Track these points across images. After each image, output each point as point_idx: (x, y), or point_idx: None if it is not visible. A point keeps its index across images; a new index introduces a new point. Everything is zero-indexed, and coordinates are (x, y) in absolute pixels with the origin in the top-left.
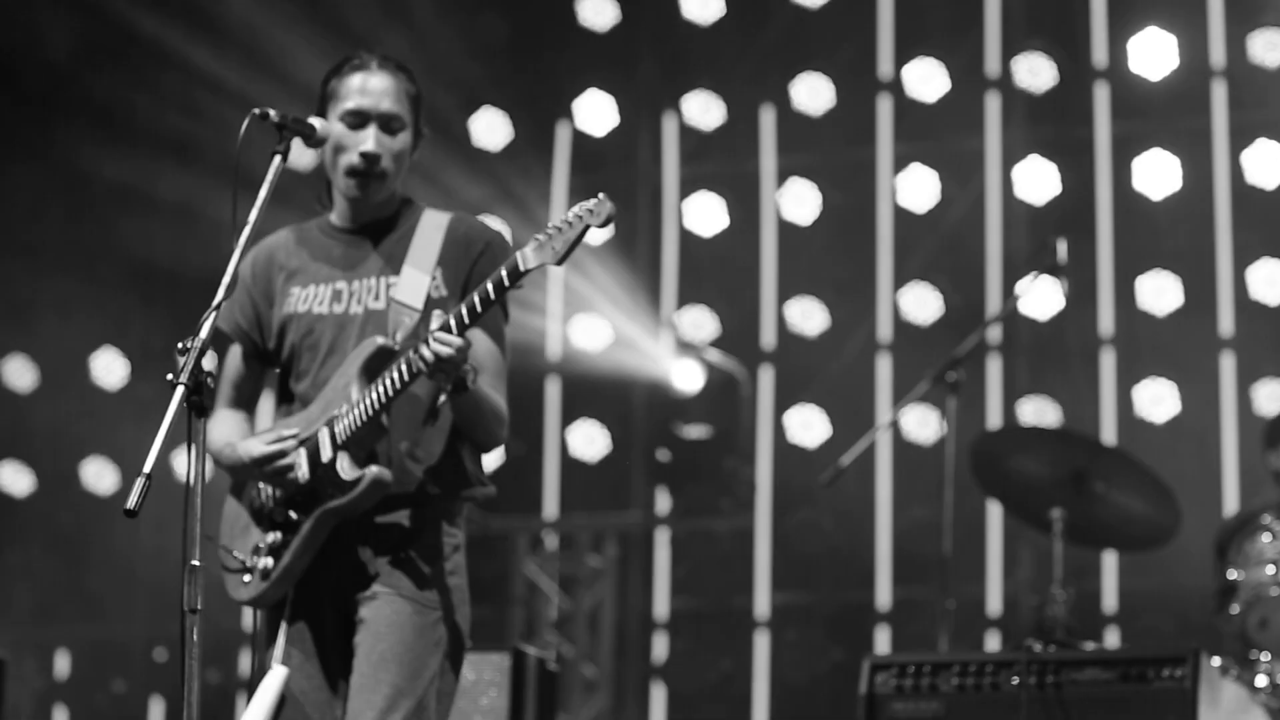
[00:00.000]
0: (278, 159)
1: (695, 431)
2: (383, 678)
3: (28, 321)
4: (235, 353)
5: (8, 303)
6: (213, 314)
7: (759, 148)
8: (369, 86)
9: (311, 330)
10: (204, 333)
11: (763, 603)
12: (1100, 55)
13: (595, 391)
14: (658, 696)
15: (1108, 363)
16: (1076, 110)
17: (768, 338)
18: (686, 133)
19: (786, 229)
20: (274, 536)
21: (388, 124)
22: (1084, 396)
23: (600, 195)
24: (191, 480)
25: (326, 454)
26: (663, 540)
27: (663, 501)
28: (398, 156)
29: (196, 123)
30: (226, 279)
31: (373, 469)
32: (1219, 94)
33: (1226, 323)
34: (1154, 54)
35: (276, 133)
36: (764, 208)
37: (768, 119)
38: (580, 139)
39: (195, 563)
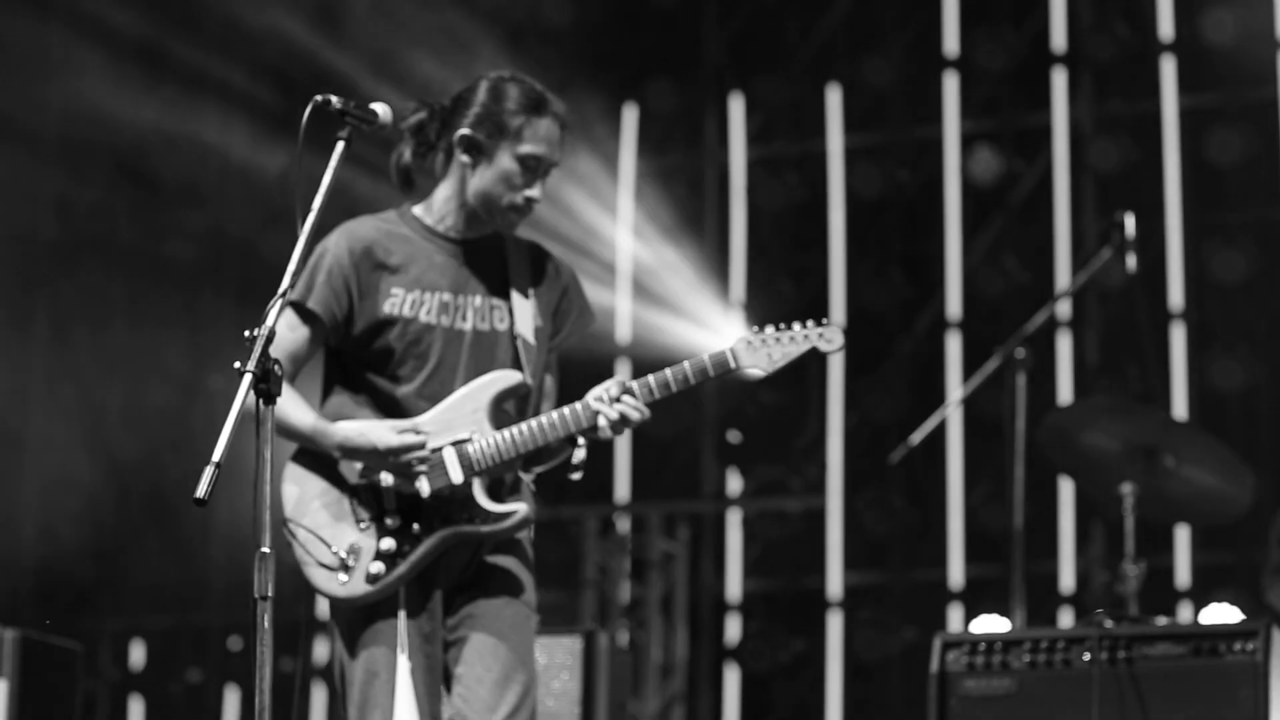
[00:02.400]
0: (340, 146)
1: (770, 397)
2: (515, 677)
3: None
4: (304, 333)
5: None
6: (278, 302)
7: (826, 127)
8: (555, 138)
9: (420, 339)
10: (270, 320)
11: (835, 583)
12: (1166, 28)
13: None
14: (731, 679)
15: (1178, 336)
16: (1143, 83)
17: (837, 316)
18: (753, 113)
19: (854, 207)
20: (389, 543)
21: (555, 165)
22: (1155, 370)
23: (834, 323)
24: (260, 469)
25: (456, 477)
26: (734, 522)
27: (734, 483)
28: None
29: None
30: (292, 266)
31: (522, 507)
32: None
33: None
34: (1220, 27)
35: (339, 120)
36: (831, 186)
37: (834, 98)
38: (647, 120)
39: (265, 549)
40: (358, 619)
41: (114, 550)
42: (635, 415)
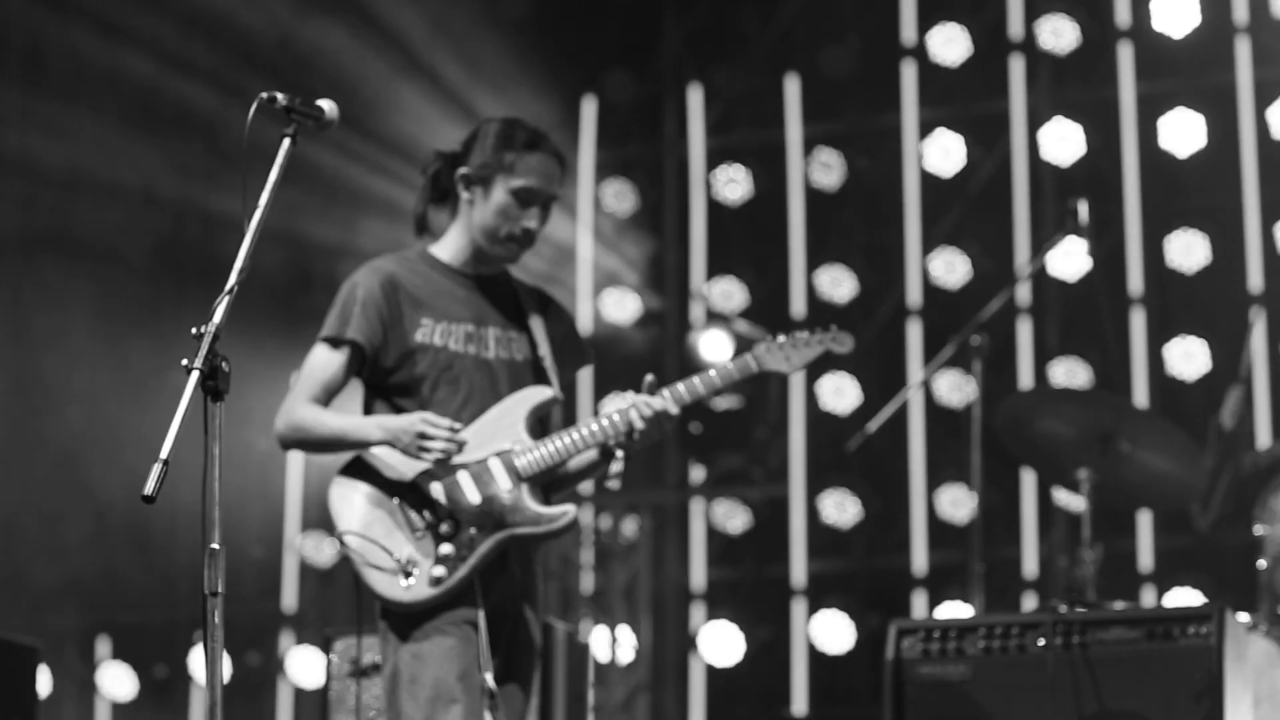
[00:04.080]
0: (286, 142)
1: (725, 402)
2: (531, 688)
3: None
4: (338, 360)
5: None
6: (225, 299)
7: (785, 117)
8: (548, 171)
9: (451, 366)
10: (217, 318)
11: (799, 571)
12: (1123, 15)
13: (626, 365)
14: (696, 668)
15: (1138, 322)
16: (1100, 71)
17: (798, 306)
18: (712, 104)
19: (814, 197)
20: (447, 548)
21: (547, 203)
22: (1115, 356)
23: (841, 331)
24: (209, 466)
25: (505, 484)
26: (698, 512)
27: (696, 473)
28: (544, 224)
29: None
30: (239, 264)
31: (571, 508)
32: (1243, 51)
33: (1256, 278)
34: (1176, 12)
35: (285, 117)
36: (791, 176)
37: (793, 88)
38: (606, 112)
39: (215, 546)
40: (421, 621)
41: (78, 548)
42: (675, 410)
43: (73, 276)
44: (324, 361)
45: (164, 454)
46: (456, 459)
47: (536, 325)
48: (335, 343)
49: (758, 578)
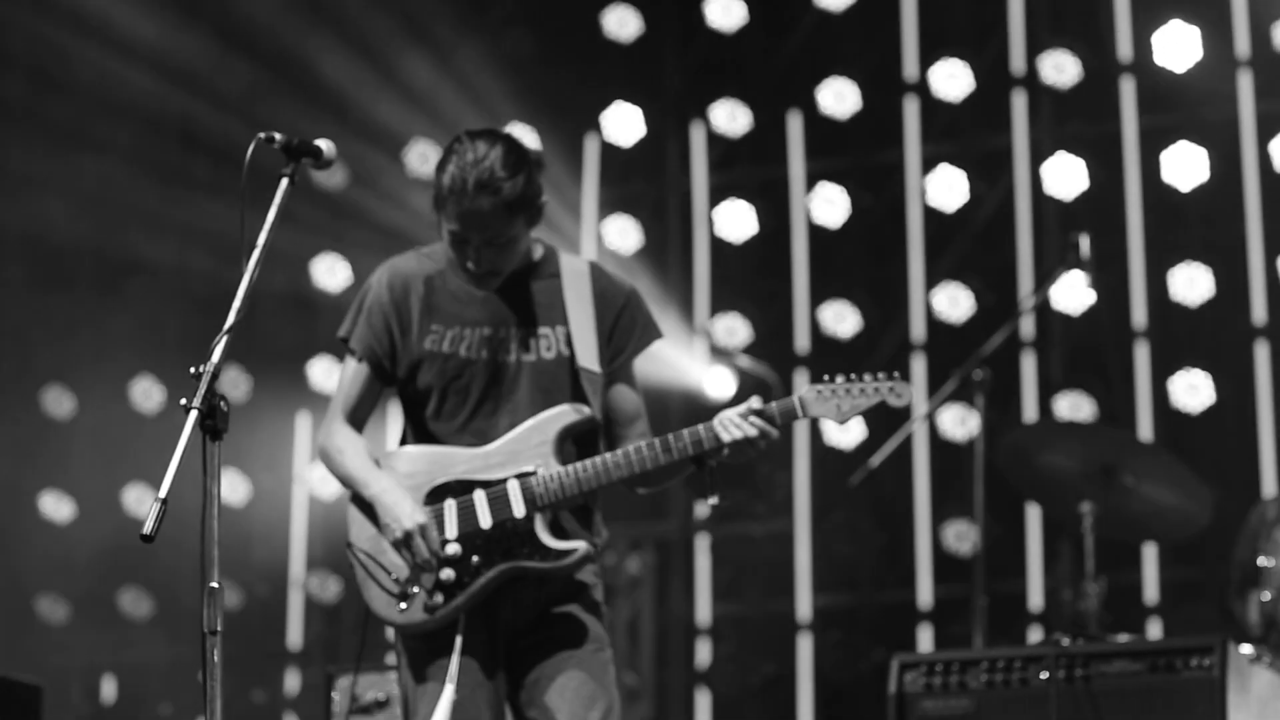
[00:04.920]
0: (285, 182)
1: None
2: (598, 700)
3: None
4: (358, 373)
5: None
6: (224, 338)
7: (787, 153)
8: (470, 219)
9: (460, 374)
10: (216, 357)
11: (804, 605)
12: (1125, 49)
13: None
14: (702, 703)
15: (1142, 355)
16: (1103, 105)
17: (801, 342)
18: (714, 141)
19: (817, 233)
20: (448, 573)
21: (491, 240)
22: (1120, 390)
23: (902, 381)
24: (207, 505)
25: (519, 510)
26: (703, 546)
27: (700, 508)
28: (507, 256)
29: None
30: (237, 303)
31: (582, 545)
32: (1245, 84)
33: (1260, 311)
34: (1178, 46)
35: (284, 155)
36: (794, 213)
37: (795, 124)
38: (609, 150)
39: (214, 585)
40: (421, 648)
41: (86, 586)
42: (774, 434)
43: None
44: (350, 373)
45: (162, 493)
46: (477, 476)
47: (579, 315)
48: (351, 350)
49: (762, 612)
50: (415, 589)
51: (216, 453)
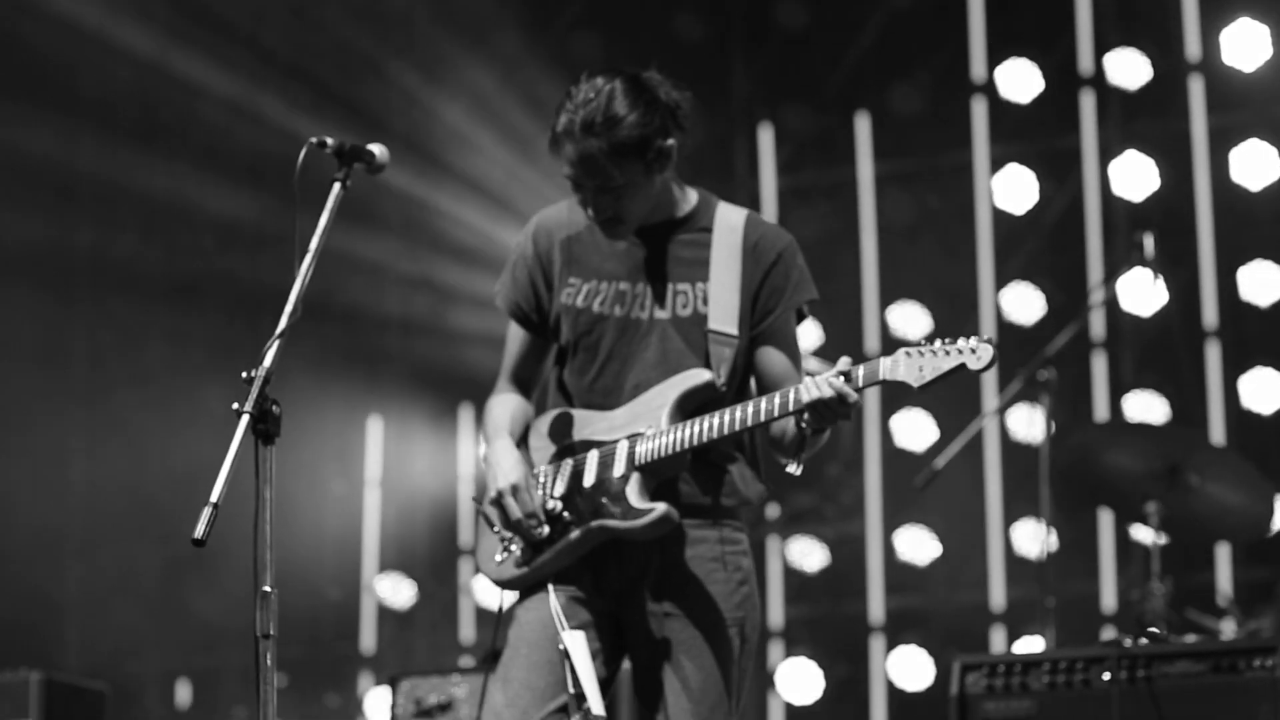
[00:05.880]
0: (338, 186)
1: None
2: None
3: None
4: (515, 332)
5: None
6: (276, 342)
7: (855, 155)
8: (577, 164)
9: (590, 330)
10: (267, 361)
11: (876, 608)
12: (1193, 49)
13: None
14: (775, 706)
15: (1213, 355)
16: (1172, 104)
17: (871, 343)
18: (782, 143)
19: (886, 234)
20: (542, 531)
21: (604, 186)
22: (1190, 390)
23: (987, 339)
24: (260, 509)
25: (620, 469)
26: (774, 549)
27: (771, 510)
28: (627, 203)
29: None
30: (289, 307)
31: (661, 506)
32: None
33: None
34: (1247, 45)
35: (336, 160)
36: (863, 214)
37: (863, 125)
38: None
39: (267, 589)
40: (517, 608)
41: (157, 591)
42: (854, 397)
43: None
44: (509, 333)
45: (215, 497)
46: (598, 437)
47: (723, 273)
48: (502, 309)
49: (835, 615)
50: (514, 546)
51: (270, 457)
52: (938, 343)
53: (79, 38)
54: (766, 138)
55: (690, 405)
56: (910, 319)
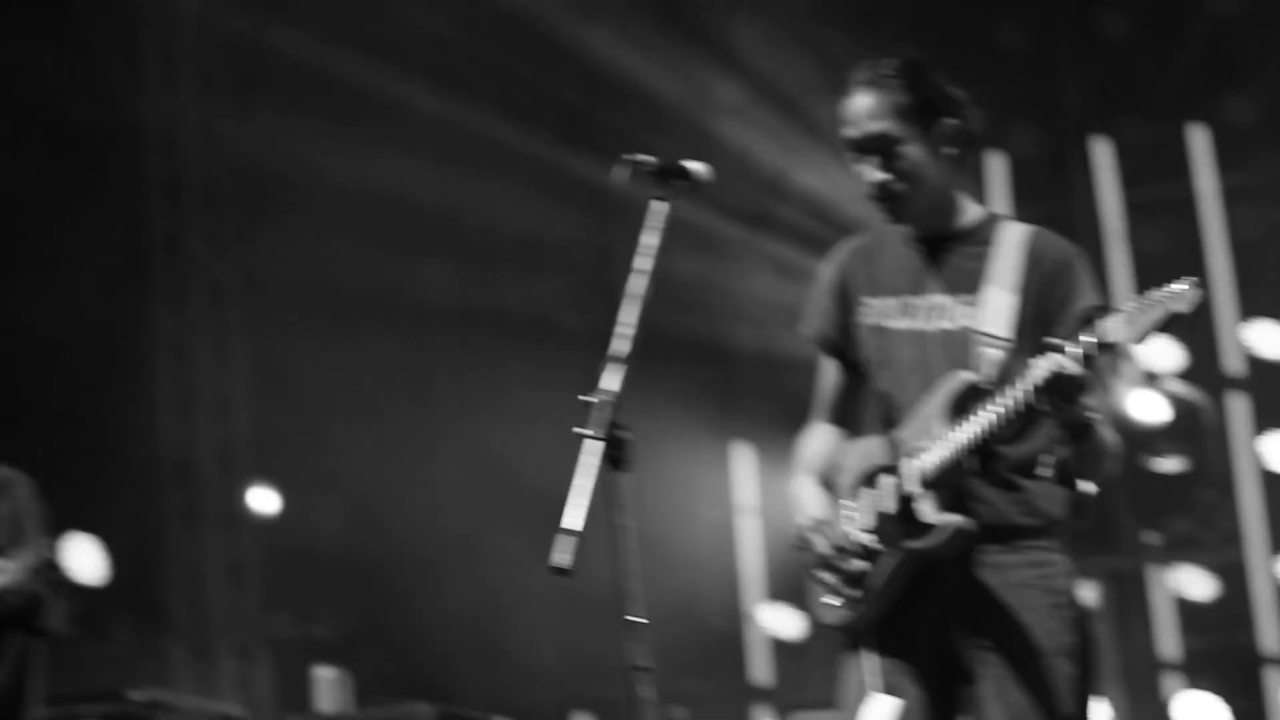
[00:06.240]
0: (664, 208)
1: (1168, 465)
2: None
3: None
4: (826, 365)
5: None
6: (620, 367)
7: (1193, 167)
8: (850, 114)
9: (884, 348)
10: (616, 385)
11: (1270, 639)
12: None
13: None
14: None
15: None
16: None
17: (1233, 364)
18: (1119, 156)
19: (1236, 249)
20: (859, 565)
21: (881, 147)
22: None
23: (1189, 282)
24: (618, 538)
25: (911, 488)
26: (1156, 578)
27: (1149, 538)
28: (908, 174)
29: None
30: (629, 330)
31: (953, 518)
32: None
33: None
34: None
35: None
36: (1208, 229)
37: (1198, 137)
38: (1012, 167)
39: (632, 619)
40: (854, 651)
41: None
42: (1075, 370)
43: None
44: (821, 366)
45: (577, 525)
46: (896, 458)
47: (1000, 282)
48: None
49: (1226, 646)
50: (842, 588)
51: (623, 484)
52: (1146, 295)
53: None
54: (1103, 151)
55: (960, 409)
56: (1269, 336)
